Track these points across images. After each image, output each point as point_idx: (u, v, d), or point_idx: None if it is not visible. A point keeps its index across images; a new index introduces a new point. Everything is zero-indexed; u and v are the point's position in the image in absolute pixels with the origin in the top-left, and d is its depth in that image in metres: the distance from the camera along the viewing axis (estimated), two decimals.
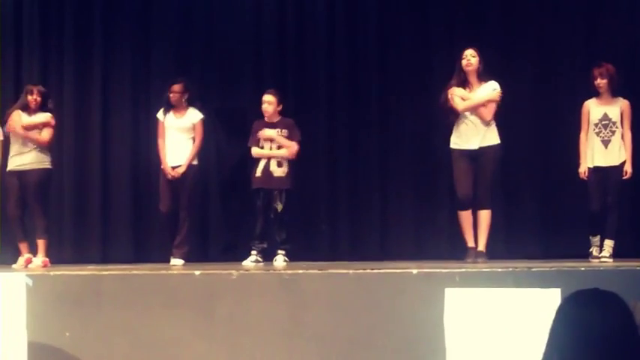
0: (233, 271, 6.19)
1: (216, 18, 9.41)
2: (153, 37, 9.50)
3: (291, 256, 7.80)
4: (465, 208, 7.26)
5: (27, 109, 8.10)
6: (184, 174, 8.08)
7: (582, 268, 5.86)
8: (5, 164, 8.10)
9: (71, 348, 6.11)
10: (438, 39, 8.87)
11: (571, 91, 8.11)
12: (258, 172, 7.84)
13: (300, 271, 6.16)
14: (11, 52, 9.52)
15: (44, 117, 8.07)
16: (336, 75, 9.10)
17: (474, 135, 7.24)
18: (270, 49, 9.29)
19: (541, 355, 2.37)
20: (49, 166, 8.08)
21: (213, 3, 9.43)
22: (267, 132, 7.89)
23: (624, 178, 7.32)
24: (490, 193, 7.33)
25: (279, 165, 7.85)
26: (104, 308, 6.16)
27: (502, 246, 8.00)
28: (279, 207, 7.78)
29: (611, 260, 7.11)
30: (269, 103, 7.93)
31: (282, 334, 5.89)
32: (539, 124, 8.48)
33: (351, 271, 6.00)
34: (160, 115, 8.30)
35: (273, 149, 7.87)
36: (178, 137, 8.20)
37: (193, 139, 8.23)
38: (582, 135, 7.45)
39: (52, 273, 6.68)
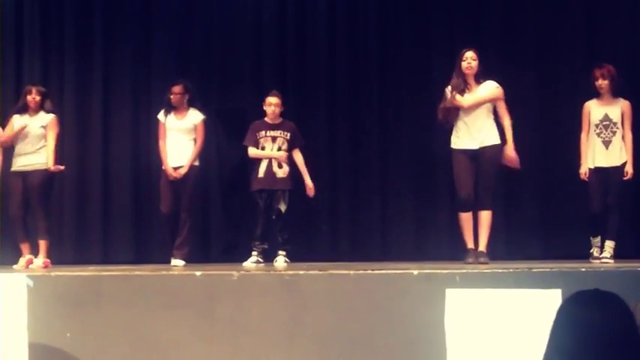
0: (234, 272, 6.18)
1: (216, 19, 9.41)
2: (153, 38, 9.50)
3: (292, 257, 7.80)
4: (465, 210, 7.25)
5: (27, 109, 8.09)
6: (186, 175, 8.09)
7: (583, 269, 5.86)
8: (7, 165, 8.11)
9: (72, 348, 6.10)
10: (439, 40, 8.87)
11: (572, 91, 8.12)
12: (261, 173, 7.84)
13: (301, 272, 6.15)
14: (12, 53, 9.52)
15: (48, 119, 8.06)
16: (336, 76, 9.11)
17: (474, 135, 7.23)
18: (270, 50, 9.29)
19: (542, 356, 2.37)
20: (60, 167, 8.07)
21: (213, 4, 9.44)
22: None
23: (625, 178, 7.32)
24: (491, 193, 7.32)
25: (280, 166, 7.86)
26: (105, 309, 6.16)
27: (503, 247, 8.01)
28: (283, 207, 7.78)
29: (611, 261, 7.11)
30: (276, 105, 7.92)
31: (283, 335, 5.88)
32: (540, 124, 8.49)
33: (351, 272, 6.00)
34: (160, 116, 8.30)
35: (274, 150, 7.86)
36: (179, 138, 8.21)
37: (194, 140, 8.23)
38: (583, 136, 7.45)
39: (52, 274, 6.68)
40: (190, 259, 8.09)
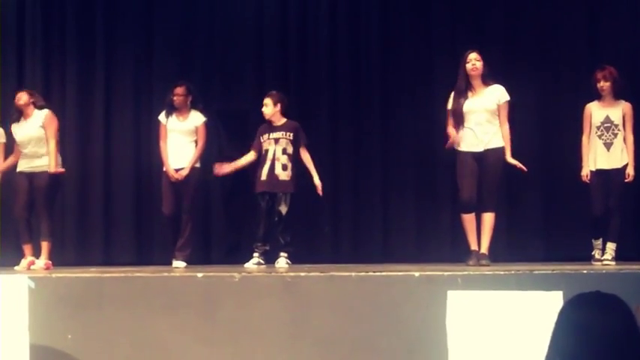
0: (235, 274, 6.18)
1: (218, 20, 9.43)
2: (155, 39, 9.51)
3: (294, 259, 7.79)
4: (468, 211, 7.25)
5: (21, 115, 8.08)
6: (187, 176, 8.08)
7: (584, 271, 5.86)
8: (11, 166, 8.12)
9: (73, 350, 6.10)
10: (440, 42, 8.88)
11: (574, 93, 8.10)
12: (263, 176, 7.82)
13: (303, 274, 6.15)
14: (13, 54, 9.53)
15: (43, 116, 8.02)
16: (338, 77, 9.12)
17: (479, 137, 7.23)
18: (272, 51, 9.30)
19: (543, 358, 2.37)
20: (59, 169, 8.07)
21: (215, 5, 9.44)
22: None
23: (626, 181, 7.31)
24: (494, 195, 7.32)
25: (284, 168, 7.82)
26: (106, 310, 6.16)
27: (504, 249, 8.01)
28: (284, 210, 7.76)
29: (613, 263, 7.10)
30: (265, 105, 7.91)
31: (285, 337, 5.88)
32: (542, 126, 8.50)
33: (353, 274, 5.99)
34: (162, 117, 8.28)
35: (278, 152, 7.84)
36: (181, 140, 8.20)
37: (196, 141, 8.22)
38: (584, 138, 7.45)
39: (54, 275, 6.68)
40: (192, 261, 8.09)
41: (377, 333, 5.72)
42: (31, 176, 7.97)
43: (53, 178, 7.95)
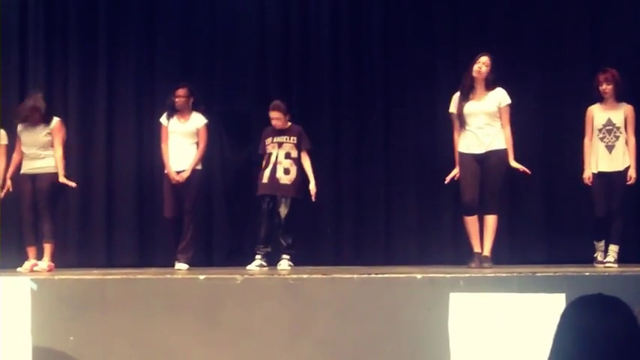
0: (237, 276, 6.18)
1: (220, 22, 9.43)
2: (157, 42, 9.52)
3: (296, 261, 7.79)
4: (470, 214, 7.25)
5: (31, 118, 8.09)
6: (188, 179, 8.06)
7: (587, 274, 5.85)
8: (14, 168, 8.13)
9: (75, 352, 6.11)
10: (443, 44, 8.88)
11: (575, 96, 8.09)
12: (265, 179, 7.82)
13: (305, 276, 6.16)
14: (16, 57, 9.54)
15: (52, 124, 8.04)
16: (340, 78, 9.12)
17: (481, 139, 7.23)
18: (274, 53, 9.31)
19: None
20: (71, 183, 8.06)
21: (217, 7, 9.45)
22: None
23: (628, 183, 7.30)
24: (497, 198, 7.31)
25: (286, 172, 7.81)
26: (108, 312, 6.16)
27: (507, 251, 8.00)
28: (283, 213, 7.75)
29: (615, 265, 7.09)
30: (277, 119, 7.86)
31: (287, 339, 5.88)
32: (543, 129, 8.49)
33: (355, 276, 5.99)
34: (163, 119, 8.28)
35: (280, 156, 7.84)
36: (182, 142, 8.18)
37: (197, 143, 8.20)
38: (586, 140, 7.45)
39: (56, 277, 6.68)
40: (194, 263, 8.09)
41: (379, 335, 5.71)
42: (33, 178, 7.99)
43: (55, 179, 7.96)
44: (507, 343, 5.34)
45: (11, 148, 8.21)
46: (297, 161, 7.86)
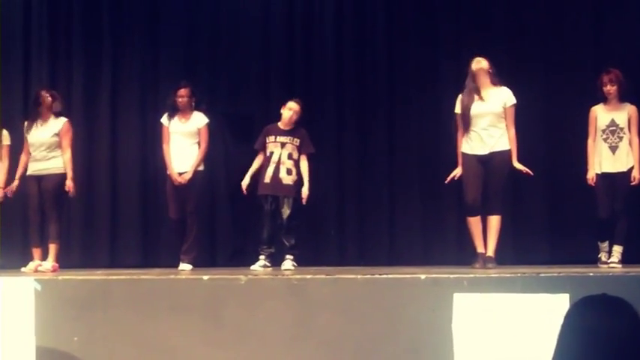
0: (241, 276, 6.18)
1: (223, 23, 9.45)
2: (161, 42, 9.54)
3: (300, 261, 7.79)
4: (473, 214, 7.25)
5: (38, 115, 8.10)
6: (191, 180, 8.03)
7: (591, 274, 5.85)
8: (22, 169, 8.13)
9: (79, 352, 6.11)
10: (446, 44, 8.88)
11: (578, 96, 8.08)
12: (267, 178, 7.81)
13: (308, 276, 6.16)
14: (20, 56, 9.56)
15: (60, 125, 8.06)
16: (343, 80, 9.13)
17: (485, 140, 7.23)
18: (277, 53, 9.31)
19: None
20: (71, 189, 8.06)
21: (221, 8, 9.45)
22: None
23: (632, 184, 7.29)
24: (500, 198, 7.31)
25: (289, 173, 7.81)
26: (112, 313, 6.17)
27: (510, 251, 8.00)
28: (286, 214, 7.75)
29: (619, 266, 7.08)
30: (294, 112, 7.84)
31: (290, 339, 5.88)
32: (547, 129, 8.48)
33: (359, 276, 6.00)
34: (164, 120, 8.24)
35: (283, 157, 7.83)
36: (183, 142, 8.14)
37: (198, 143, 8.16)
38: (590, 141, 7.44)
39: (60, 278, 6.69)
40: (198, 263, 8.09)
41: (383, 335, 5.71)
42: (39, 179, 8.00)
43: (61, 180, 7.97)
44: (511, 343, 5.33)
45: (20, 148, 8.23)
46: (297, 163, 7.86)
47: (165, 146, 8.22)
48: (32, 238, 8.13)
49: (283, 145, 7.83)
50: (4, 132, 8.25)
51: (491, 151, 7.22)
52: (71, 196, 8.16)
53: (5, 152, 8.23)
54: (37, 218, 8.06)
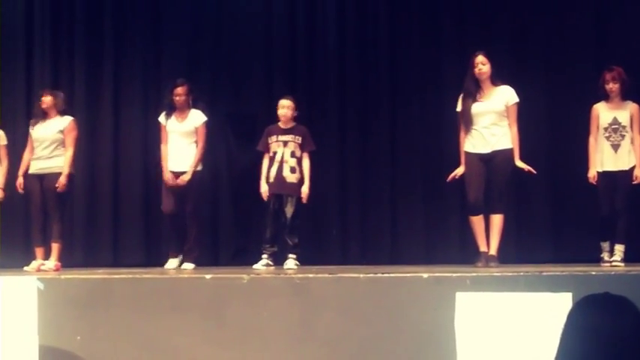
0: (244, 275, 6.18)
1: (226, 22, 9.45)
2: (163, 41, 9.54)
3: (302, 260, 7.79)
4: (475, 213, 7.25)
5: (42, 115, 8.11)
6: (189, 181, 7.96)
7: (593, 273, 5.84)
8: (25, 168, 8.14)
9: (82, 351, 6.12)
10: (448, 43, 8.88)
11: (580, 94, 8.06)
12: (271, 178, 7.81)
13: (311, 275, 6.15)
14: (22, 56, 9.58)
15: (65, 123, 8.07)
16: (346, 79, 9.13)
17: (487, 139, 7.22)
18: (280, 53, 9.32)
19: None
20: (71, 171, 8.06)
21: (223, 7, 9.46)
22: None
23: (634, 183, 7.25)
24: (503, 197, 7.31)
25: (292, 171, 7.81)
26: (115, 312, 6.17)
27: (513, 250, 8.00)
28: (290, 212, 7.74)
29: (622, 264, 7.06)
30: (288, 107, 7.85)
31: (293, 338, 5.88)
32: (549, 127, 8.48)
33: (361, 275, 5.99)
34: (161, 119, 8.15)
35: (286, 155, 7.83)
36: (181, 142, 8.05)
37: (196, 142, 8.06)
38: (591, 139, 7.39)
39: (63, 277, 6.69)
40: (200, 262, 8.09)
41: (385, 334, 5.71)
42: (41, 178, 8.00)
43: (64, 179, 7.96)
44: (514, 342, 5.33)
45: (23, 147, 8.24)
46: (301, 161, 7.86)
47: (163, 146, 8.13)
48: (35, 237, 8.13)
49: (285, 143, 7.83)
50: (0, 132, 8.25)
51: (494, 149, 7.22)
52: (67, 195, 8.10)
53: (3, 153, 8.23)
54: (39, 217, 8.07)
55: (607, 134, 7.32)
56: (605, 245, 7.40)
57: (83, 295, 6.29)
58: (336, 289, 5.94)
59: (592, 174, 7.35)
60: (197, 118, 8.08)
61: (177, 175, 8.03)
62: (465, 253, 7.82)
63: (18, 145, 8.48)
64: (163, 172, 8.09)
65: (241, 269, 7.31)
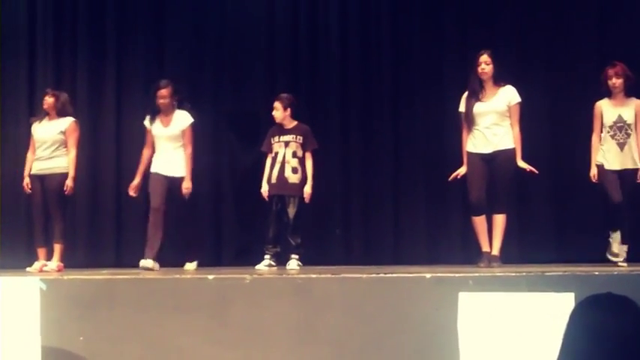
0: (246, 275, 6.18)
1: (229, 21, 9.45)
2: (166, 40, 9.55)
3: (305, 261, 7.79)
4: (477, 214, 7.24)
5: (45, 115, 8.13)
6: (177, 185, 7.76)
7: (596, 273, 5.83)
8: (29, 168, 8.14)
9: (85, 352, 6.12)
10: (451, 43, 8.88)
11: (583, 93, 8.04)
12: (273, 179, 7.81)
13: (314, 276, 6.15)
14: (25, 56, 9.59)
15: (66, 124, 8.07)
16: (348, 78, 9.13)
17: (489, 139, 7.22)
18: (282, 52, 9.32)
19: None
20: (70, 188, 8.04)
21: (225, 6, 9.46)
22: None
23: (639, 182, 7.18)
24: (505, 197, 7.31)
25: (294, 171, 7.81)
26: (118, 312, 6.17)
27: (515, 250, 7.99)
28: (292, 213, 7.75)
29: (625, 265, 7.04)
30: (276, 108, 7.87)
31: (295, 339, 5.88)
32: (552, 127, 8.48)
33: (364, 276, 5.99)
34: (147, 122, 7.94)
35: (288, 155, 7.82)
36: (167, 146, 7.82)
37: (184, 146, 7.82)
38: (594, 138, 7.30)
39: (65, 277, 6.69)
40: (203, 262, 8.09)
41: (388, 334, 5.71)
42: (42, 178, 8.00)
43: (65, 180, 7.96)
44: (516, 342, 5.32)
45: (26, 148, 8.25)
46: (303, 161, 7.85)
47: (145, 151, 7.93)
48: (37, 237, 8.13)
49: (287, 144, 7.83)
50: None
51: (496, 149, 7.21)
52: (68, 196, 8.06)
53: None
54: (41, 218, 8.07)
55: (612, 132, 7.20)
56: (616, 236, 7.17)
57: (86, 296, 6.29)
58: (339, 290, 5.94)
59: (593, 173, 7.25)
60: (183, 120, 7.84)
61: (166, 178, 7.81)
62: (468, 253, 7.82)
63: (20, 145, 8.49)
64: (136, 177, 7.93)
65: (244, 269, 7.31)
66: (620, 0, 8.59)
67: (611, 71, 7.23)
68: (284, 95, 7.95)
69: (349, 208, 9.03)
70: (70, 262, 8.23)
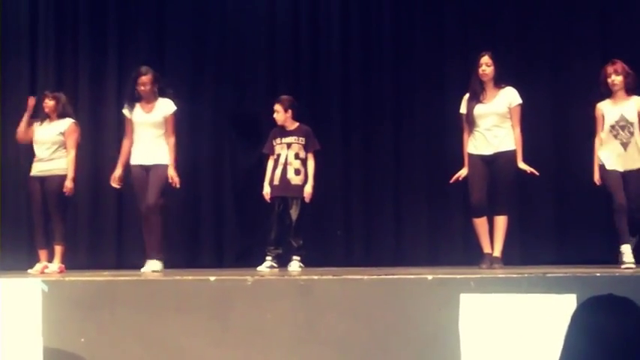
0: (248, 277, 6.18)
1: (230, 22, 9.45)
2: (167, 42, 9.55)
3: (306, 262, 7.79)
4: (478, 215, 7.24)
5: (45, 117, 8.13)
6: (158, 174, 7.58)
7: (597, 274, 5.83)
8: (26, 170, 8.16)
9: (86, 353, 6.12)
10: (452, 44, 8.88)
11: (585, 95, 7.99)
12: (275, 181, 7.80)
13: (315, 277, 6.15)
14: (27, 57, 9.59)
15: (66, 125, 8.07)
16: (349, 80, 9.13)
17: (490, 141, 7.22)
18: (284, 53, 9.33)
19: None
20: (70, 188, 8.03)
21: (227, 7, 9.47)
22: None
23: None
24: (507, 198, 7.30)
25: (297, 173, 7.80)
26: (119, 314, 6.17)
27: (517, 252, 7.99)
28: (294, 215, 7.74)
29: (633, 266, 6.92)
30: (276, 111, 7.87)
31: (297, 340, 5.88)
32: (553, 128, 8.47)
33: (365, 277, 5.99)
34: (126, 111, 7.79)
35: (290, 157, 7.82)
36: (149, 134, 7.66)
37: (166, 134, 7.68)
38: (596, 140, 7.18)
39: (67, 279, 6.70)
40: (204, 264, 8.08)
41: (390, 336, 5.71)
42: (42, 180, 8.01)
43: (65, 181, 7.95)
44: (518, 343, 5.32)
45: (26, 147, 8.26)
46: (305, 162, 7.85)
47: (125, 140, 7.78)
48: (37, 239, 8.13)
49: (289, 145, 7.83)
50: None
51: (496, 151, 7.21)
52: (68, 197, 8.02)
53: None
54: (41, 220, 8.07)
55: (614, 132, 7.07)
56: (633, 239, 6.93)
57: (87, 297, 6.30)
58: (341, 291, 5.94)
59: (597, 177, 7.14)
60: (166, 107, 7.70)
61: (145, 168, 7.68)
62: (469, 254, 7.81)
63: (21, 145, 8.49)
64: (117, 168, 7.79)
65: (245, 271, 7.31)
66: (622, 1, 8.57)
67: (610, 69, 7.10)
68: (284, 97, 7.94)
69: (350, 210, 9.03)
70: (71, 263, 8.23)
